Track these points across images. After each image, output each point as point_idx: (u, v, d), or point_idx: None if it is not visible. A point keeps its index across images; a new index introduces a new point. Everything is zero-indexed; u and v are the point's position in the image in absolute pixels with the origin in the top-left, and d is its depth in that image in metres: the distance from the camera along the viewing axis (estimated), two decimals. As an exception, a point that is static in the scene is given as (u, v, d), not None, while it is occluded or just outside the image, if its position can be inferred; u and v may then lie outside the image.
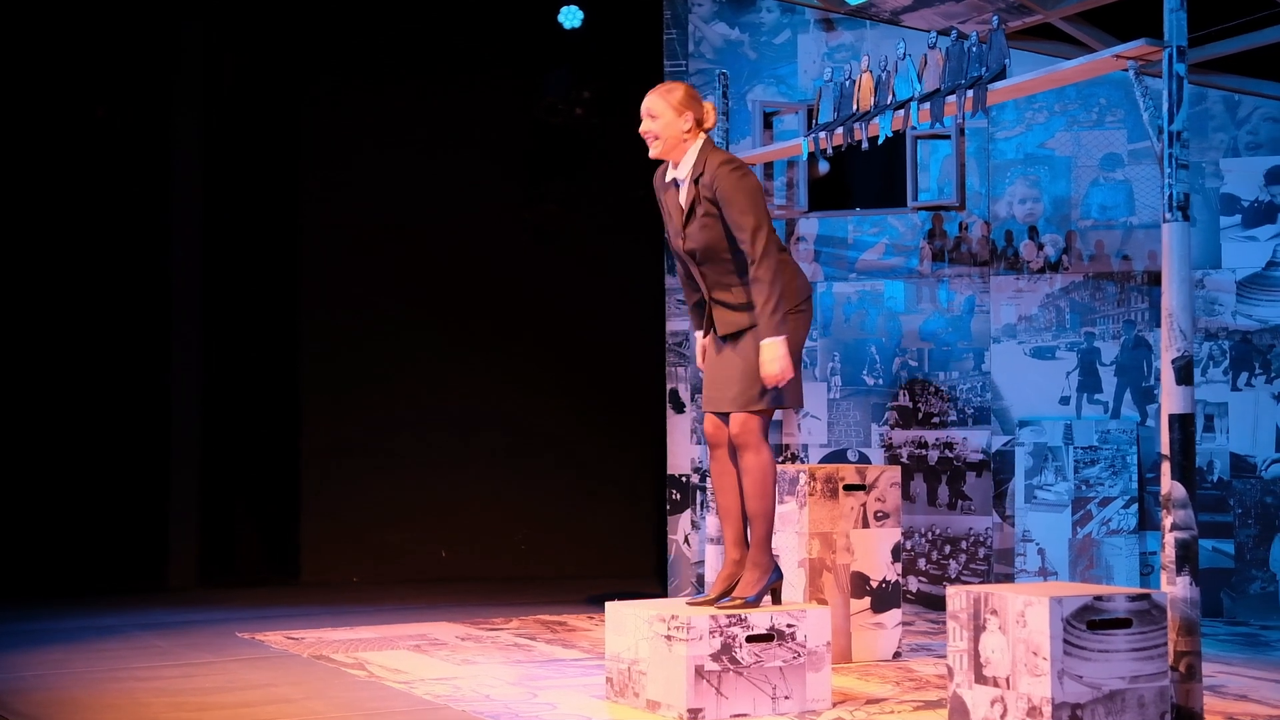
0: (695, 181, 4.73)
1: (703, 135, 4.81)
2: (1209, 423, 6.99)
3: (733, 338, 4.79)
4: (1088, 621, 4.04)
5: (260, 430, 8.63)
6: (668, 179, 4.87)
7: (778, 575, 4.78)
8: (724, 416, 4.82)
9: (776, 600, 4.80)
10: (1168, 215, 4.45)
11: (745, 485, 4.76)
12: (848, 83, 5.74)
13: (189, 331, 8.37)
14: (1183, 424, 4.41)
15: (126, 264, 8.32)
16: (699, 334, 5.01)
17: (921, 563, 7.31)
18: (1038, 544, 7.08)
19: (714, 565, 6.31)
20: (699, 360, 5.02)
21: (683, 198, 4.79)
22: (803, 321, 4.83)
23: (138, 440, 8.31)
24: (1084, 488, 7.04)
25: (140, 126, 8.31)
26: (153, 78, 8.29)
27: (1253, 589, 6.90)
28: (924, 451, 7.39)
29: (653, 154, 4.83)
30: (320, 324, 8.62)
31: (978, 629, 4.19)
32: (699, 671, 4.50)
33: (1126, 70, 4.66)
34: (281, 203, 8.65)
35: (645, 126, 4.80)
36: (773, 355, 4.62)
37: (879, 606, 5.77)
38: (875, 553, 5.77)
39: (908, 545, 7.32)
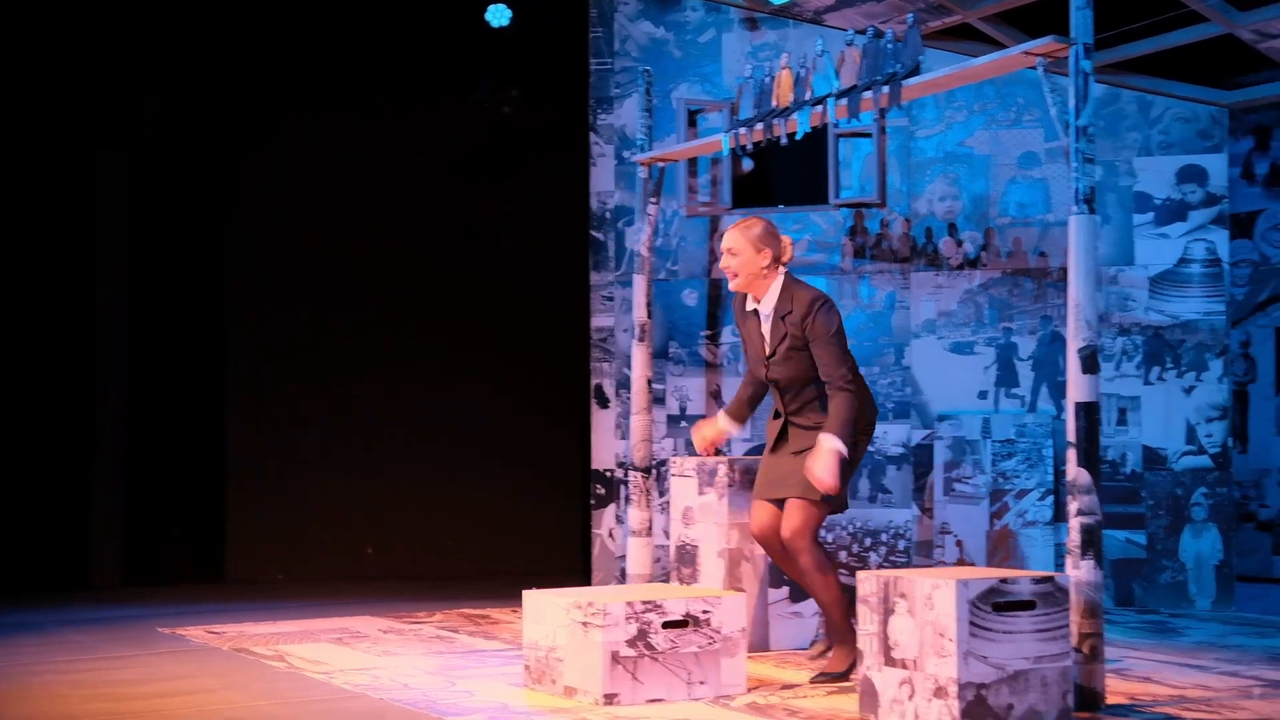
0: (782, 318, 5.00)
1: (783, 271, 5.07)
2: (1122, 416, 7.13)
3: (802, 453, 5.01)
4: (993, 604, 4.13)
5: (185, 430, 8.58)
6: (748, 308, 5.13)
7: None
8: (778, 505, 5.06)
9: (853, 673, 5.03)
10: (1074, 208, 4.55)
11: (807, 586, 5.02)
12: (768, 79, 5.81)
13: (114, 329, 8.32)
14: (1088, 411, 4.51)
15: (50, 259, 8.26)
16: (717, 426, 5.40)
17: (843, 555, 7.39)
18: (956, 535, 7.20)
19: (636, 558, 6.36)
20: (699, 441, 5.41)
21: (766, 330, 5.06)
22: (864, 444, 5.10)
23: (60, 439, 8.25)
24: (1001, 480, 7.17)
25: (68, 121, 8.24)
26: (87, 70, 8.22)
27: (1163, 579, 7.04)
28: (845, 446, 7.47)
29: (732, 287, 5.10)
30: (246, 323, 8.59)
31: (887, 612, 4.27)
32: (615, 657, 4.55)
33: (1035, 67, 4.76)
34: (210, 203, 8.60)
35: (725, 263, 5.09)
36: (829, 457, 4.83)
37: (797, 596, 5.84)
38: (794, 543, 5.83)
39: (829, 539, 7.40)
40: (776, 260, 5.05)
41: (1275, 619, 6.60)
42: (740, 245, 5.04)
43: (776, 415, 5.18)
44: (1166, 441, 7.08)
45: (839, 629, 5.01)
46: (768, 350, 5.06)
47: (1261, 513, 7.45)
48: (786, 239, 5.11)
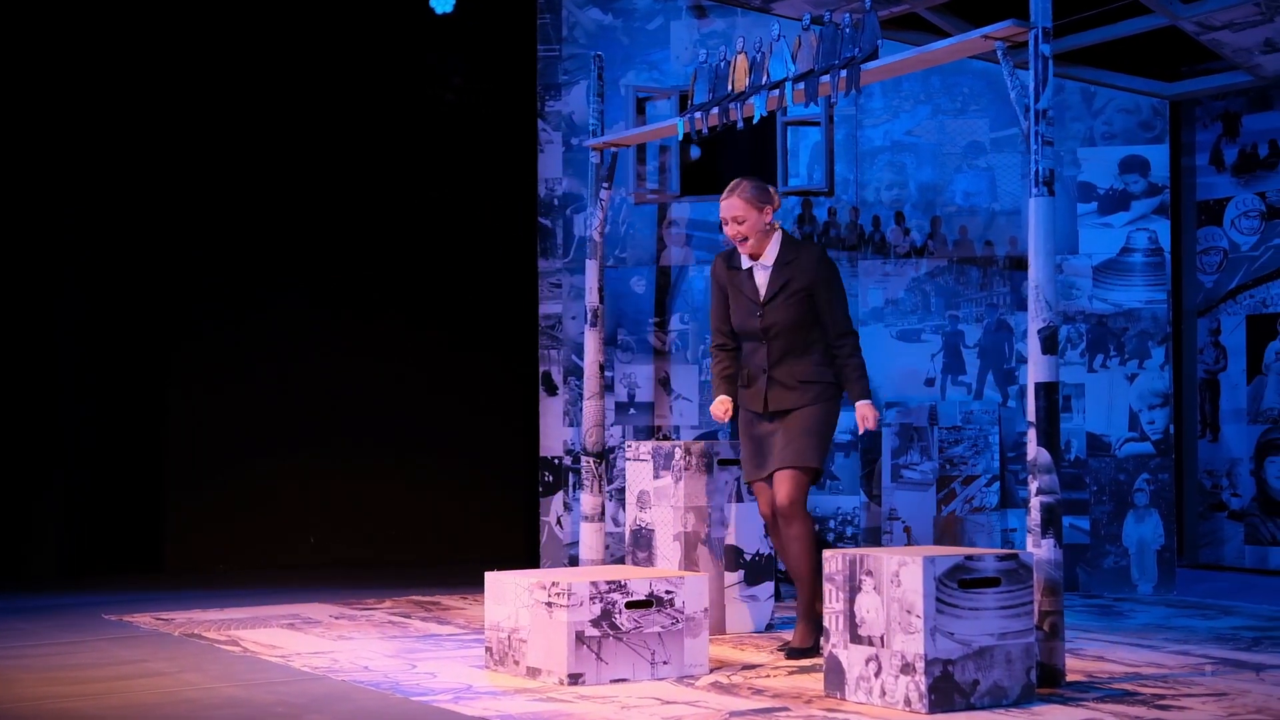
0: (785, 264, 5.15)
1: (780, 226, 5.23)
2: (1066, 403, 7.22)
3: (781, 415, 5.17)
4: (959, 580, 4.17)
5: (124, 420, 8.45)
6: (744, 266, 5.23)
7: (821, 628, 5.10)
8: (769, 482, 5.18)
9: (818, 653, 5.07)
10: (1034, 190, 4.60)
11: (792, 552, 5.12)
12: (723, 64, 5.82)
13: (50, 320, 8.17)
14: (1048, 392, 4.56)
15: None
16: (724, 397, 5.36)
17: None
18: (904, 522, 7.25)
19: (588, 543, 6.35)
20: (719, 410, 5.35)
21: (763, 280, 5.18)
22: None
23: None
24: (948, 467, 7.23)
25: (17, 86, 8.09)
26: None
27: (1106, 563, 7.14)
28: (793, 433, 7.51)
29: (744, 251, 5.21)
30: (185, 311, 8.47)
31: (853, 590, 4.30)
32: (579, 637, 4.54)
33: (994, 51, 4.81)
34: (150, 190, 8.48)
35: (732, 231, 5.18)
36: (871, 411, 5.18)
37: (752, 579, 5.87)
38: (748, 526, 5.86)
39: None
40: (773, 212, 5.22)
41: (1216, 601, 6.72)
42: (742, 210, 5.16)
43: (748, 383, 5.26)
44: (1110, 428, 7.17)
45: (807, 604, 5.12)
46: (763, 296, 5.17)
47: (1233, 502, 7.54)
48: (772, 188, 5.27)
